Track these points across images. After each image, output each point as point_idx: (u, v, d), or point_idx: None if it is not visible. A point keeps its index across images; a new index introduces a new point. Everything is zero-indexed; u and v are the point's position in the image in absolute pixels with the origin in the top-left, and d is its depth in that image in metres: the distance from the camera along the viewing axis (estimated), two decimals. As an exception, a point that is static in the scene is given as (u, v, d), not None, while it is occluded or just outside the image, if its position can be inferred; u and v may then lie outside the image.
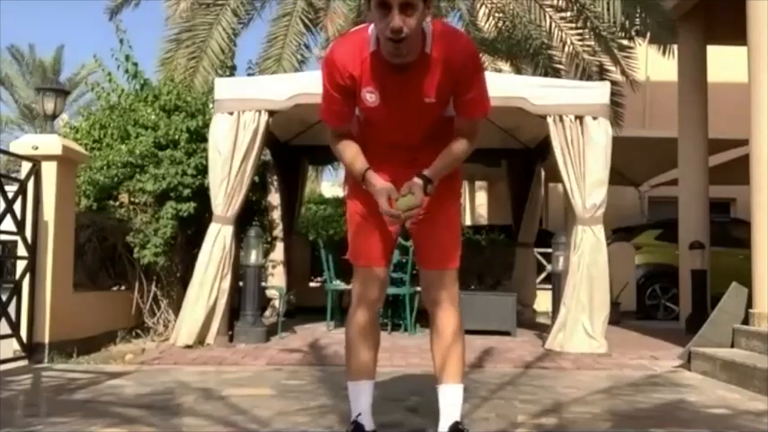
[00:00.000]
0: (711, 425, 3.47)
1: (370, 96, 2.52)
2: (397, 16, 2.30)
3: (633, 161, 11.69)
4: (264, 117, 6.33)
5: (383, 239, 2.73)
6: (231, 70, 9.52)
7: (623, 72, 10.07)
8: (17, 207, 5.06)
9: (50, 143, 5.38)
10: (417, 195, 2.49)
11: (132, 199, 6.80)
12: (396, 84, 2.48)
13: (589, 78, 9.49)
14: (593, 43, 9.81)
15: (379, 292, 2.77)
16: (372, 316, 2.76)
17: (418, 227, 2.73)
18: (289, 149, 8.95)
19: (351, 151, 2.64)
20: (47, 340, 5.13)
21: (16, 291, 5.06)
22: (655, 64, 12.12)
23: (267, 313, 8.54)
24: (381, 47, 2.43)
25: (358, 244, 2.77)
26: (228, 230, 6.26)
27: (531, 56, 9.88)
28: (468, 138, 2.64)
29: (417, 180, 2.52)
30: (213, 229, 6.24)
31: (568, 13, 9.73)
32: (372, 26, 2.47)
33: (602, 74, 9.78)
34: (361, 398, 2.72)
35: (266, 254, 8.09)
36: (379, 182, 2.55)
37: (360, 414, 2.70)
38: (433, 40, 2.46)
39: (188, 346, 5.98)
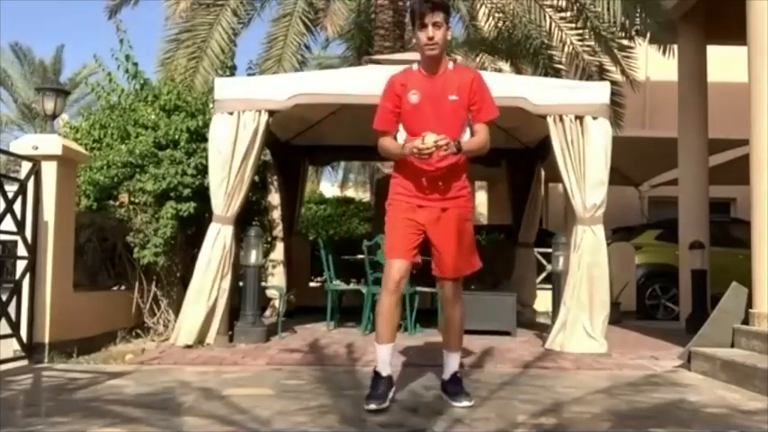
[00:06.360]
0: (711, 425, 3.47)
1: (413, 97, 3.70)
2: (430, 30, 3.61)
3: (633, 161, 11.69)
4: (264, 117, 6.33)
5: (412, 240, 3.70)
6: (231, 70, 9.51)
7: (623, 72, 10.08)
8: (17, 207, 5.05)
9: (50, 143, 5.38)
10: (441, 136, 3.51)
11: (132, 199, 6.80)
12: (430, 86, 3.70)
13: (589, 78, 9.50)
14: (593, 43, 9.83)
15: (402, 279, 3.71)
16: (396, 299, 3.76)
17: (439, 241, 3.74)
18: (289, 149, 8.95)
19: (390, 140, 3.80)
20: (47, 340, 5.13)
21: (16, 291, 5.05)
22: (655, 64, 12.12)
23: (267, 313, 8.53)
24: (420, 58, 3.73)
25: (394, 241, 3.73)
26: (228, 230, 6.26)
27: (531, 56, 9.91)
28: (483, 135, 3.75)
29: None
30: (213, 229, 6.24)
31: (568, 13, 9.75)
32: (415, 65, 3.76)
33: (602, 74, 9.79)
34: (383, 354, 3.69)
35: (266, 254, 8.08)
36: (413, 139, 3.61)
37: (379, 365, 3.66)
38: (452, 66, 3.79)
39: (188, 346, 5.98)
